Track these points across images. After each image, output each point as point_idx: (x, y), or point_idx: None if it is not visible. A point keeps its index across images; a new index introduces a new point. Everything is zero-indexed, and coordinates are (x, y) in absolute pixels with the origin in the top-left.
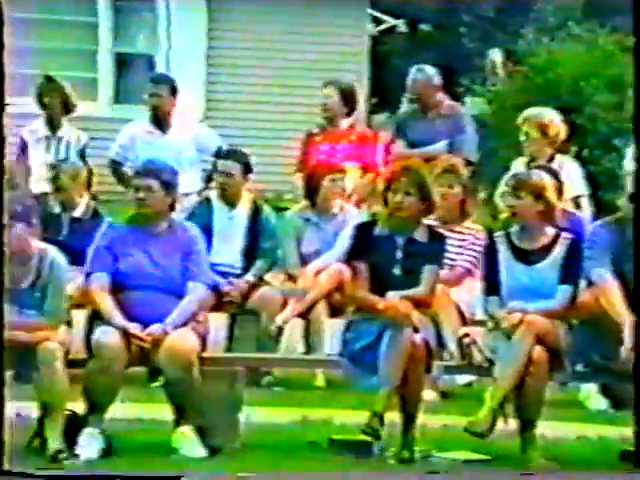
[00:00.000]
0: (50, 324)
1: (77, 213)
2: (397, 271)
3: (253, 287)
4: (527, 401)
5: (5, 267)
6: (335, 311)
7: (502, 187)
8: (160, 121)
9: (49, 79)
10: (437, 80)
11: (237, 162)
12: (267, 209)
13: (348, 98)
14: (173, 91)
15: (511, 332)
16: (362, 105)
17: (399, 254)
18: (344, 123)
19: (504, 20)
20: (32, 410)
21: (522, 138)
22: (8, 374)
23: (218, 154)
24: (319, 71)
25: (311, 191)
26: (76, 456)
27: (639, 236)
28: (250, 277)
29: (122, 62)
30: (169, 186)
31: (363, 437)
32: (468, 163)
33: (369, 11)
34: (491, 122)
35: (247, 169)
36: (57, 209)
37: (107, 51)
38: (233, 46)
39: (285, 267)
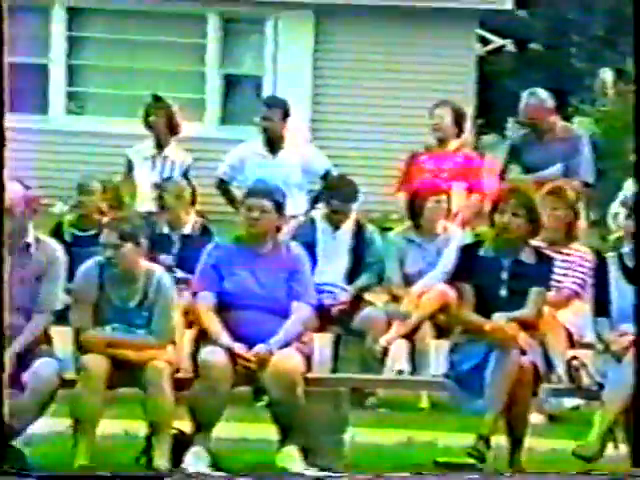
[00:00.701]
0: (158, 343)
1: (187, 230)
2: (503, 292)
3: (357, 306)
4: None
5: (4, 264)
6: (440, 332)
7: (615, 208)
8: (271, 144)
9: (157, 99)
10: (550, 103)
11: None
12: (371, 228)
13: (459, 119)
14: (285, 114)
15: (622, 355)
16: (469, 126)
17: (505, 275)
18: (453, 144)
19: (614, 39)
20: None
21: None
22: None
23: (326, 177)
24: (426, 91)
25: (415, 212)
26: (183, 475)
27: (639, 236)
28: (352, 289)
29: (229, 83)
30: (280, 207)
31: (468, 460)
32: (585, 185)
33: (477, 31)
34: (601, 143)
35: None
36: (165, 228)
37: (215, 72)
38: (339, 66)
39: (389, 287)
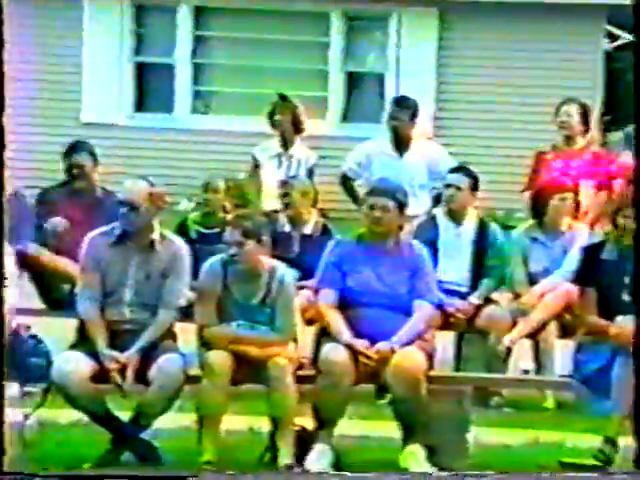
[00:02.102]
0: (280, 340)
1: (307, 230)
2: (626, 297)
3: (480, 305)
4: None
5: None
6: (565, 332)
7: None
8: (399, 144)
9: (282, 98)
10: None
11: (467, 176)
12: (493, 226)
13: (586, 116)
14: (414, 115)
15: None
16: (596, 123)
17: (627, 279)
18: (580, 141)
19: None
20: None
21: None
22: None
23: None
24: (553, 88)
25: (539, 210)
26: (306, 471)
27: (639, 236)
28: (476, 299)
29: (352, 81)
30: (402, 207)
31: (594, 461)
32: None
33: (605, 26)
34: None
35: (475, 185)
36: (287, 226)
37: (338, 70)
38: (463, 64)
39: (513, 286)
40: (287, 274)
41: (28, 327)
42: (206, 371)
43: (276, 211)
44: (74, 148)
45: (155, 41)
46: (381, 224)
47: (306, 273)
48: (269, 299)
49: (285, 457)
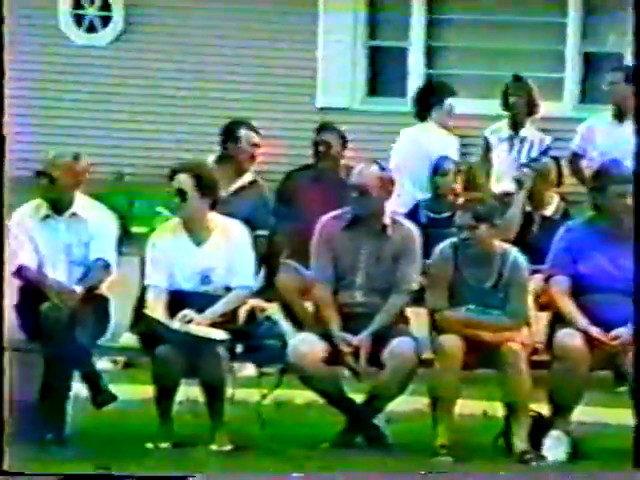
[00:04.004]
0: (513, 324)
1: (548, 212)
2: None
3: None
4: None
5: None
6: None
7: None
8: (620, 114)
9: (517, 79)
10: None
11: None
12: None
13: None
14: (628, 79)
15: None
16: None
17: None
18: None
19: None
20: None
21: None
22: None
23: None
24: None
25: None
26: (542, 458)
27: (639, 233)
28: None
29: (589, 62)
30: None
31: None
32: None
33: None
34: None
35: None
36: (527, 208)
37: (575, 51)
38: None
39: None
40: (519, 257)
41: (262, 309)
42: (438, 355)
43: (509, 194)
44: (323, 128)
45: (389, 25)
46: (625, 211)
47: (544, 256)
48: (502, 283)
49: (520, 443)
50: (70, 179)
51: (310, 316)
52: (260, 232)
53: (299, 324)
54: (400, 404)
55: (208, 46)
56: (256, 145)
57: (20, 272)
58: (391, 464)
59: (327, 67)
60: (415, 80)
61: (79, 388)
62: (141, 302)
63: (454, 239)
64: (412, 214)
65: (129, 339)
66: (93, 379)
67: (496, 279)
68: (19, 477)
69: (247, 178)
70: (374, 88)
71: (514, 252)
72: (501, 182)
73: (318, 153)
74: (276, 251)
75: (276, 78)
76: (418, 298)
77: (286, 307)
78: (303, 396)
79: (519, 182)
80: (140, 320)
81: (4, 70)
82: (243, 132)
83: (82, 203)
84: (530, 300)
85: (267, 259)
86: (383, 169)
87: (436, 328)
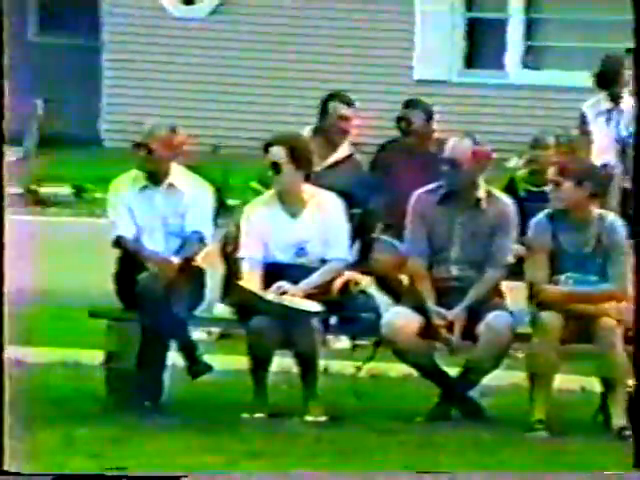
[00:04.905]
0: (613, 290)
1: None
2: None
3: None
4: None
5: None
6: None
7: None
8: None
9: (629, 51)
10: None
11: None
12: None
13: None
14: None
15: None
16: None
17: None
18: None
19: None
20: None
21: None
22: None
23: None
24: None
25: None
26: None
27: (638, 230)
28: None
29: None
30: None
31: None
32: None
33: None
34: None
35: None
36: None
37: None
38: None
39: None
40: (617, 221)
41: (357, 282)
42: (537, 329)
43: (606, 165)
44: (406, 104)
45: None
46: None
47: None
48: (600, 248)
49: (618, 419)
50: (167, 151)
51: (405, 290)
52: (356, 210)
53: (394, 297)
54: (495, 378)
55: (306, 19)
56: (347, 118)
57: (118, 242)
58: (486, 438)
59: (425, 39)
60: (513, 52)
61: (175, 358)
62: (230, 273)
63: (548, 210)
64: (509, 188)
65: (222, 310)
66: (189, 349)
67: (594, 244)
68: (19, 477)
69: (343, 152)
70: (472, 60)
71: (611, 216)
72: (601, 155)
73: (401, 129)
74: (371, 224)
75: (374, 50)
76: (514, 272)
77: (381, 280)
78: (398, 369)
79: (622, 154)
80: (231, 291)
81: (4, 69)
82: (332, 105)
83: (179, 175)
84: (629, 267)
85: (362, 232)
86: (477, 143)
87: (535, 302)
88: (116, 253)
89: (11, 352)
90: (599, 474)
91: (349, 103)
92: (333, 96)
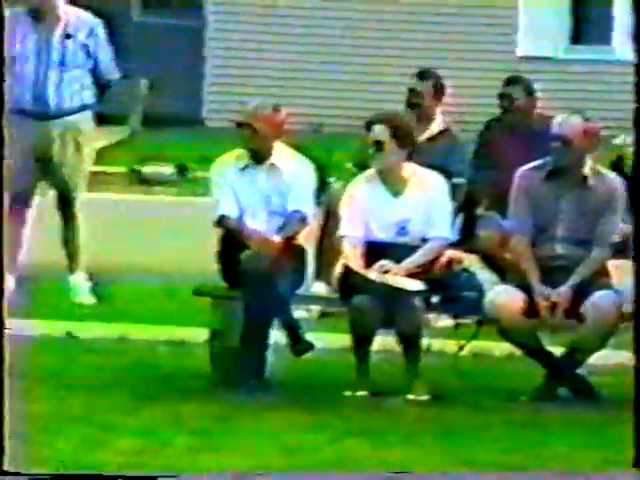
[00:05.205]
0: None
1: None
2: None
3: None
4: None
5: None
6: None
7: None
8: None
9: None
10: None
11: None
12: None
13: None
14: None
15: None
16: None
17: None
18: None
19: None
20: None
21: None
22: None
23: None
24: None
25: None
26: None
27: (639, 232)
28: None
29: None
30: None
31: None
32: None
33: None
34: None
35: None
36: None
37: None
38: None
39: None
40: None
41: (460, 261)
42: None
43: None
44: (507, 81)
45: None
46: None
47: None
48: None
49: None
50: (270, 130)
51: (508, 268)
52: (455, 180)
53: (497, 275)
54: (600, 357)
55: None
56: (430, 96)
57: (221, 222)
58: (595, 416)
59: (529, 14)
60: (621, 27)
61: (278, 336)
62: (321, 251)
63: None
64: (616, 166)
65: (319, 288)
66: (292, 327)
67: None
68: (19, 477)
69: (437, 127)
70: (578, 36)
71: None
72: None
73: (503, 106)
74: (475, 202)
75: (477, 27)
76: (621, 250)
77: (485, 258)
78: (501, 348)
79: None
80: (330, 269)
81: (4, 69)
82: (415, 82)
83: (281, 154)
84: None
85: (465, 210)
86: (587, 119)
87: None
88: (219, 232)
89: (115, 329)
90: (599, 474)
91: (436, 79)
92: (422, 73)
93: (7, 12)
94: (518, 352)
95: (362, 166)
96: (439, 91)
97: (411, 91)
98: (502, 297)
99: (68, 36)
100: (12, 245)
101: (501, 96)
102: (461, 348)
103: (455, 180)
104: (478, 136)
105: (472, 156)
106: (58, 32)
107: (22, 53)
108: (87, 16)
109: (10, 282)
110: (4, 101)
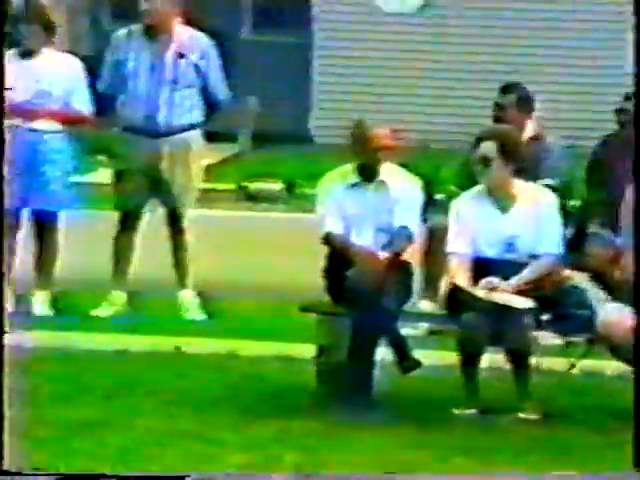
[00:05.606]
0: None
1: None
2: None
3: None
4: None
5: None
6: None
7: None
8: None
9: None
10: None
11: None
12: None
13: None
14: None
15: None
16: None
17: None
18: None
19: None
20: None
21: None
22: None
23: None
24: None
25: None
26: None
27: (639, 232)
28: None
29: None
30: None
31: None
32: None
33: None
34: None
35: None
36: None
37: None
38: None
39: None
40: None
41: (570, 278)
42: None
43: None
44: (627, 96)
45: None
46: None
47: None
48: None
49: None
50: (378, 147)
51: (619, 286)
52: (549, 181)
53: (609, 293)
54: None
55: (513, 10)
56: (515, 109)
57: (327, 238)
58: None
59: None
60: None
61: (385, 353)
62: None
63: None
64: None
65: (426, 306)
66: (399, 345)
67: None
68: (19, 477)
69: (527, 134)
70: None
71: None
72: None
73: (620, 122)
74: (588, 218)
75: (583, 42)
76: None
77: (596, 276)
78: (613, 366)
79: None
80: (437, 287)
81: (4, 69)
82: (499, 96)
83: (389, 170)
84: None
85: (577, 227)
86: None
87: None
88: (325, 248)
89: (224, 345)
90: (598, 474)
91: (523, 93)
92: (509, 86)
93: (124, 30)
94: (630, 371)
95: (464, 187)
96: (525, 103)
97: (496, 105)
98: (613, 315)
99: (181, 55)
100: (124, 262)
101: (618, 111)
102: (572, 366)
103: (547, 181)
104: (592, 152)
105: (585, 172)
106: (171, 51)
107: (135, 71)
108: (200, 37)
109: (122, 298)
110: (4, 98)
